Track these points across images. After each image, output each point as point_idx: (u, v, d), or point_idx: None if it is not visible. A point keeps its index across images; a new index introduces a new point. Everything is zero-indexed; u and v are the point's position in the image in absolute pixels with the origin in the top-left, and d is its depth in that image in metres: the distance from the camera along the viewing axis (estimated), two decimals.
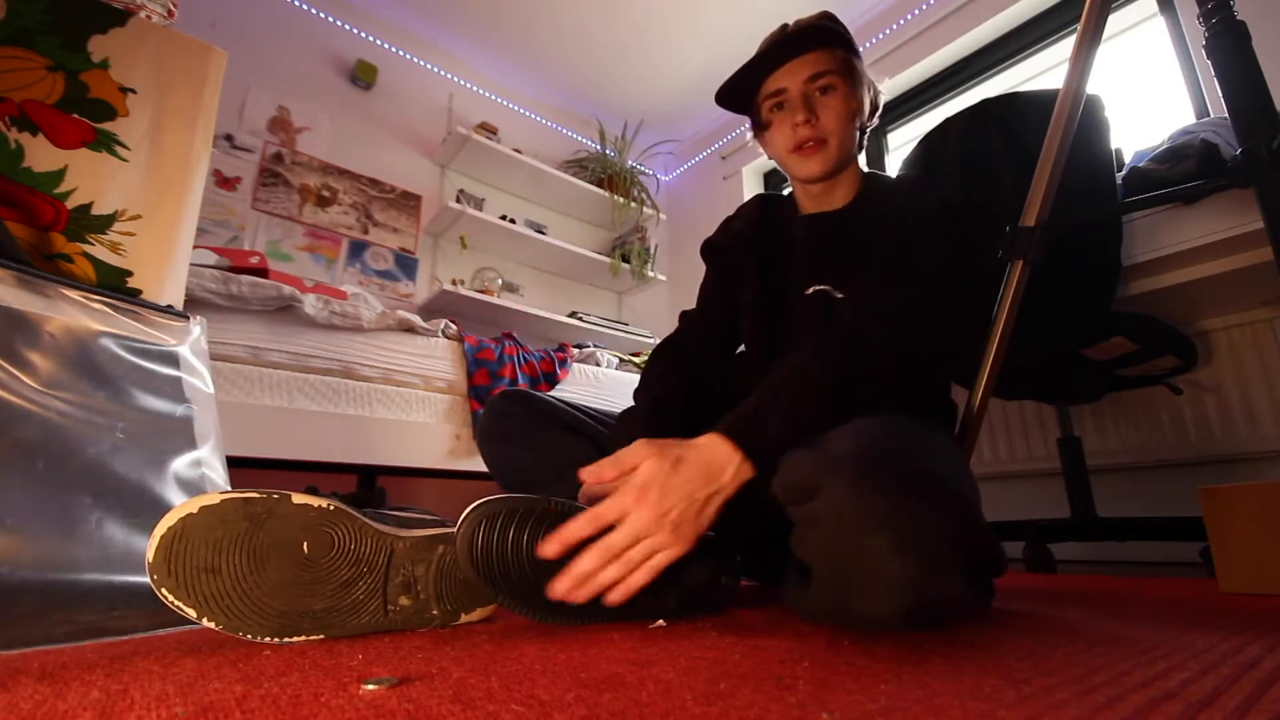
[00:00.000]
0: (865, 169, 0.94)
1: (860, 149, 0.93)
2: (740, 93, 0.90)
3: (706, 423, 0.79)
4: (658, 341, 1.31)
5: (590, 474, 0.63)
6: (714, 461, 0.62)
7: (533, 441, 0.88)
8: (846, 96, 0.85)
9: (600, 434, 0.89)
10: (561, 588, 0.57)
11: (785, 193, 1.00)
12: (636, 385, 0.93)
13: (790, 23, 0.86)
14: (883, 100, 0.93)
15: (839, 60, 0.85)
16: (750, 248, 0.95)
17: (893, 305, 0.75)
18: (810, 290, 0.87)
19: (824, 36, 0.84)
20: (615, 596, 0.58)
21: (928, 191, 0.85)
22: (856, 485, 0.51)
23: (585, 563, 0.58)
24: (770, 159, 0.94)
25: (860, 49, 0.89)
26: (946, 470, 0.56)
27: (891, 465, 0.53)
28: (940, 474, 0.54)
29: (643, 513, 0.59)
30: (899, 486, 0.51)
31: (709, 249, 1.03)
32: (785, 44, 0.84)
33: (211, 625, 0.51)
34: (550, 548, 0.58)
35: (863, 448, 0.54)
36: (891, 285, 0.77)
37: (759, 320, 0.92)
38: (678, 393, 0.88)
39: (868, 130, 0.93)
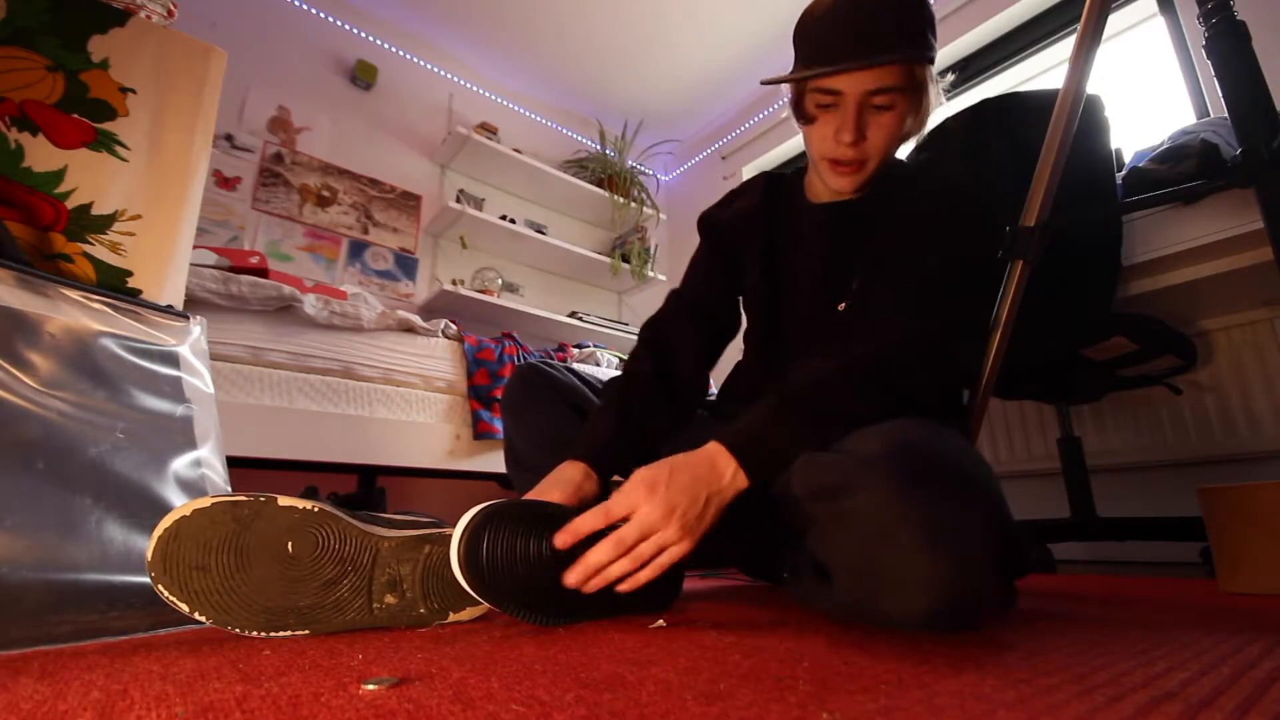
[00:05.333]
0: None
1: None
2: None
3: (680, 409, 0.88)
4: None
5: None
6: (714, 466, 0.64)
7: (556, 413, 0.91)
8: (903, 115, 0.76)
9: None
10: (574, 578, 0.60)
11: (793, 170, 0.96)
12: (620, 371, 0.93)
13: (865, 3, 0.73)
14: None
15: (905, 76, 0.74)
16: (755, 230, 0.91)
17: (912, 344, 0.72)
18: (814, 292, 0.85)
19: (898, 45, 0.72)
20: (625, 586, 0.61)
21: (938, 184, 0.83)
22: (891, 482, 0.51)
23: (598, 554, 0.60)
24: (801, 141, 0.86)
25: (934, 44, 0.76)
26: (976, 469, 0.56)
27: (925, 462, 0.53)
28: (971, 471, 0.54)
29: (652, 508, 0.61)
30: (933, 482, 0.51)
31: (708, 223, 0.98)
32: (854, 45, 0.71)
33: (202, 619, 0.53)
34: (562, 538, 0.61)
35: (895, 446, 0.54)
36: (910, 315, 0.74)
37: (760, 311, 0.90)
38: (650, 392, 0.87)
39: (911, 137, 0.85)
